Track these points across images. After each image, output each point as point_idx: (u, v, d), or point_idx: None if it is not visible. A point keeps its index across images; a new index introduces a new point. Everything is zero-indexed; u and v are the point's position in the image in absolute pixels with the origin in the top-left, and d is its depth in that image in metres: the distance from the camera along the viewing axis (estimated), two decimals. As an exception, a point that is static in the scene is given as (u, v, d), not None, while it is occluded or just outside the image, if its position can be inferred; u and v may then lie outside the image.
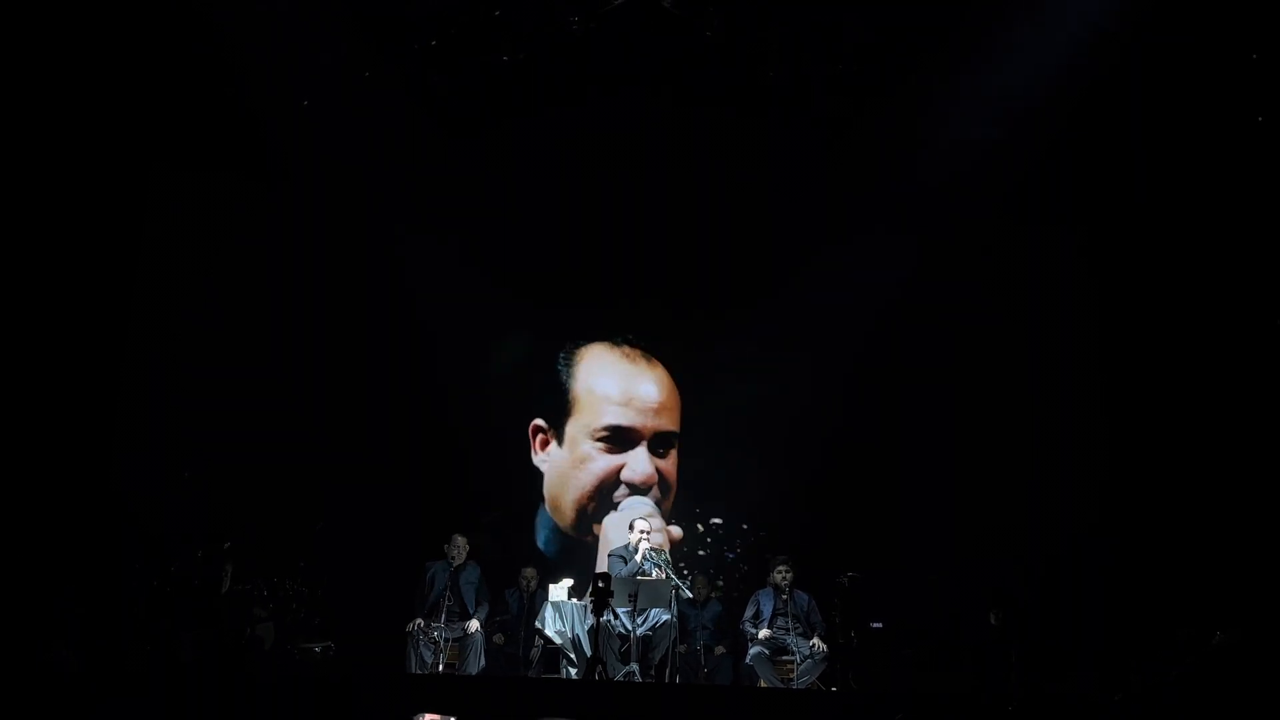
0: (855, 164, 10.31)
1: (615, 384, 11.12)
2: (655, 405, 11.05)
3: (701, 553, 10.78)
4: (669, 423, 11.07)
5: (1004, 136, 9.69)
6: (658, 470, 10.92)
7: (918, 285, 10.66)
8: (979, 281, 10.64)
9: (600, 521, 10.80)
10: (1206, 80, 8.93)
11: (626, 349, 11.25)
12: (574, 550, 10.81)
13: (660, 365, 11.25)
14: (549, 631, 9.20)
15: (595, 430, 10.97)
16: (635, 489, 10.83)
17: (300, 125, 9.63)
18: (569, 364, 11.21)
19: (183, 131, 9.80)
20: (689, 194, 10.83)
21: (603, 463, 10.91)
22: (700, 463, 11.03)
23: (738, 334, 11.00)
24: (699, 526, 10.87)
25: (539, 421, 11.07)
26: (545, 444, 11.07)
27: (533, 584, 10.00)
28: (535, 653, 9.46)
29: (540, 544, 10.91)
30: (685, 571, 10.11)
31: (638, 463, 10.87)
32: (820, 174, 10.48)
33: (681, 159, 10.57)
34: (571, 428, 11.06)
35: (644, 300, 11.18)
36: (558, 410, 11.10)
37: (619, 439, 10.94)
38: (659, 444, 10.98)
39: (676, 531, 10.66)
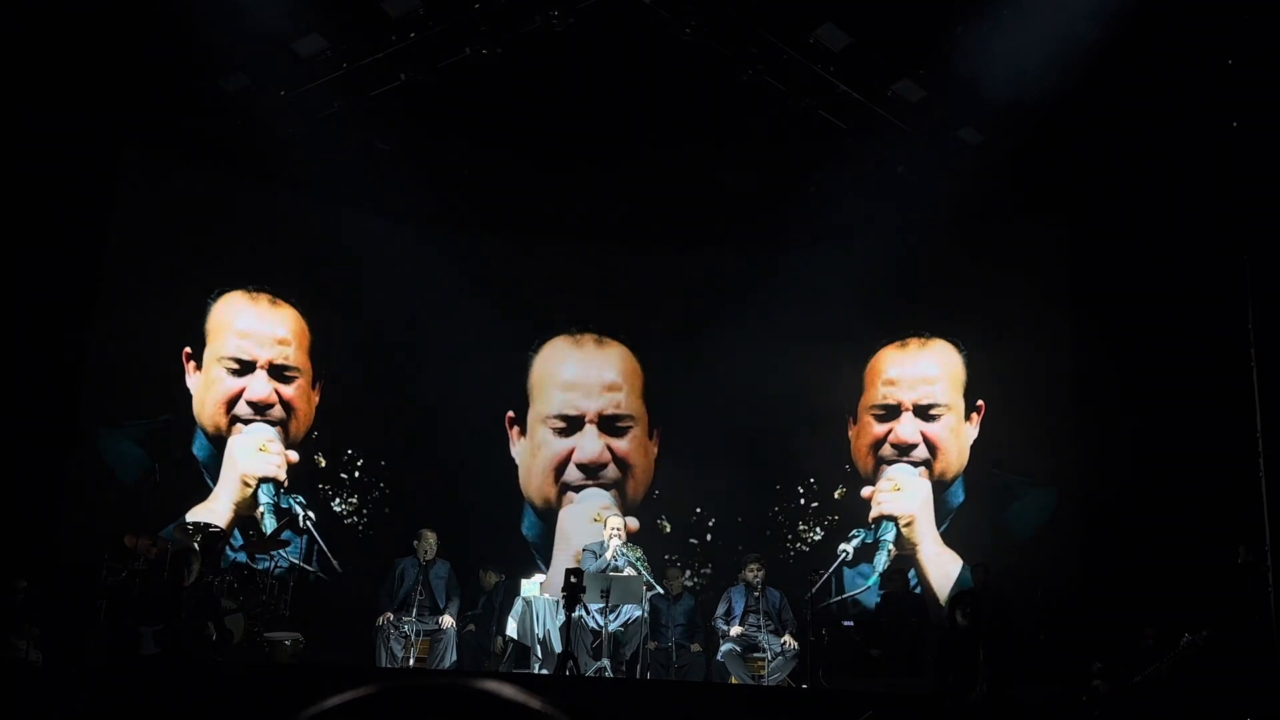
0: (846, 163, 10.28)
1: (563, 369, 11.21)
2: (602, 386, 11.11)
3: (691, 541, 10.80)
4: (621, 403, 11.08)
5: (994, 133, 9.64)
6: (613, 451, 10.94)
7: (907, 282, 10.67)
8: (964, 277, 10.63)
9: (566, 510, 10.83)
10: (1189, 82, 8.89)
11: (580, 335, 11.29)
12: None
13: (618, 346, 11.25)
14: (512, 631, 9.17)
15: (546, 416, 11.08)
16: (586, 470, 10.87)
17: (273, 113, 9.47)
18: (532, 356, 11.25)
19: (157, 116, 9.60)
20: (672, 191, 10.76)
21: (555, 447, 11.00)
22: (679, 456, 10.98)
23: (720, 329, 10.92)
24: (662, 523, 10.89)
25: (511, 414, 11.12)
26: (517, 436, 11.10)
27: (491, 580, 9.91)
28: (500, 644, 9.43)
29: (524, 529, 10.91)
30: (674, 560, 10.08)
31: (587, 444, 10.94)
32: (809, 172, 10.45)
33: (669, 156, 10.48)
34: (530, 416, 11.17)
35: (621, 295, 11.19)
36: (521, 402, 11.18)
37: (567, 422, 11.00)
38: (610, 424, 11.01)
39: (633, 523, 10.55)
